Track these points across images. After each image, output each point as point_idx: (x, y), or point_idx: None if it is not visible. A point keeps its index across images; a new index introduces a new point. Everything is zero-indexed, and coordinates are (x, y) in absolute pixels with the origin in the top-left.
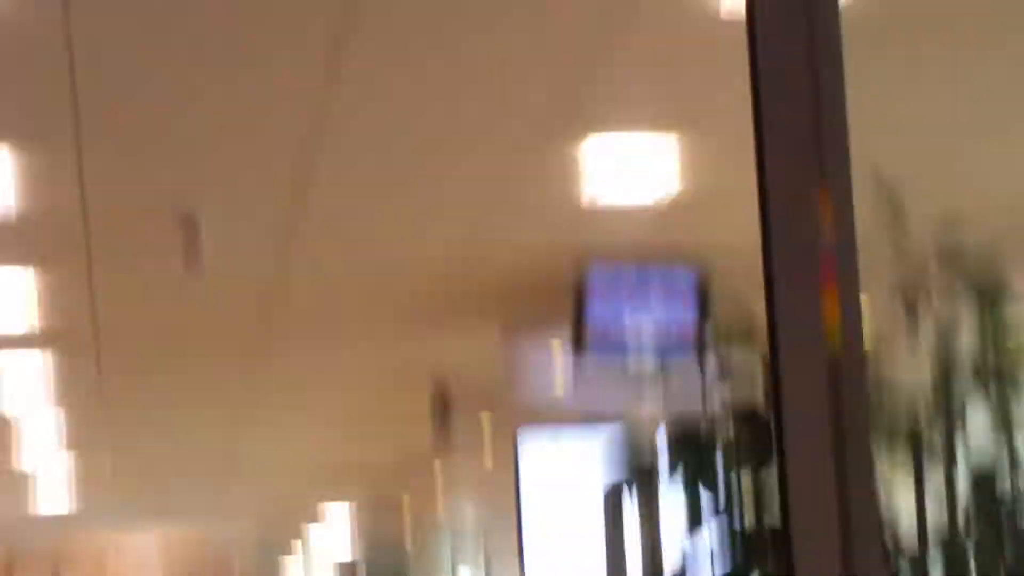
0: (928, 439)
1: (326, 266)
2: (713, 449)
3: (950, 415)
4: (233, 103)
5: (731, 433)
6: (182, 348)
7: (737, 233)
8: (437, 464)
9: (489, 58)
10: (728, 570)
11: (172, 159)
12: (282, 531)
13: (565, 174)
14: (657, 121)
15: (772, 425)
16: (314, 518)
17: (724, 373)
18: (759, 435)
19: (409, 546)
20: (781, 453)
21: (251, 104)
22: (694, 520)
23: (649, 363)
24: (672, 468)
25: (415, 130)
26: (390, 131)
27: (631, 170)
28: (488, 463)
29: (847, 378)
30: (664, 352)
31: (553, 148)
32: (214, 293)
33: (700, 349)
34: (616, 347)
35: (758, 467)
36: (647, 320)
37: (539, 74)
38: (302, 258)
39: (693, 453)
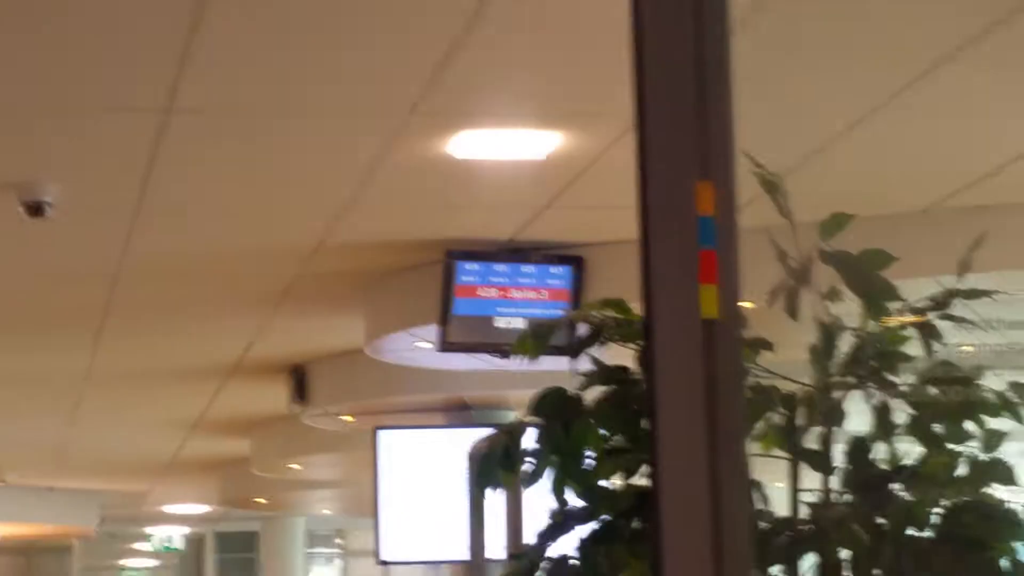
0: (805, 428)
1: (176, 249)
2: (581, 417)
3: (828, 413)
4: (82, 80)
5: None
6: (21, 329)
7: (615, 227)
8: (293, 461)
9: (357, 46)
10: (596, 528)
11: (17, 135)
12: (125, 528)
13: (436, 166)
14: (532, 117)
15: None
16: (159, 518)
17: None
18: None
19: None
20: (653, 420)
21: (100, 80)
22: (559, 488)
23: (517, 358)
24: (539, 440)
25: (277, 112)
26: (252, 112)
27: (503, 164)
28: (347, 461)
29: (722, 366)
30: (535, 347)
31: (423, 140)
32: (57, 274)
33: (573, 345)
34: (483, 342)
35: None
36: (517, 314)
37: (412, 66)
38: (152, 240)
39: (560, 428)
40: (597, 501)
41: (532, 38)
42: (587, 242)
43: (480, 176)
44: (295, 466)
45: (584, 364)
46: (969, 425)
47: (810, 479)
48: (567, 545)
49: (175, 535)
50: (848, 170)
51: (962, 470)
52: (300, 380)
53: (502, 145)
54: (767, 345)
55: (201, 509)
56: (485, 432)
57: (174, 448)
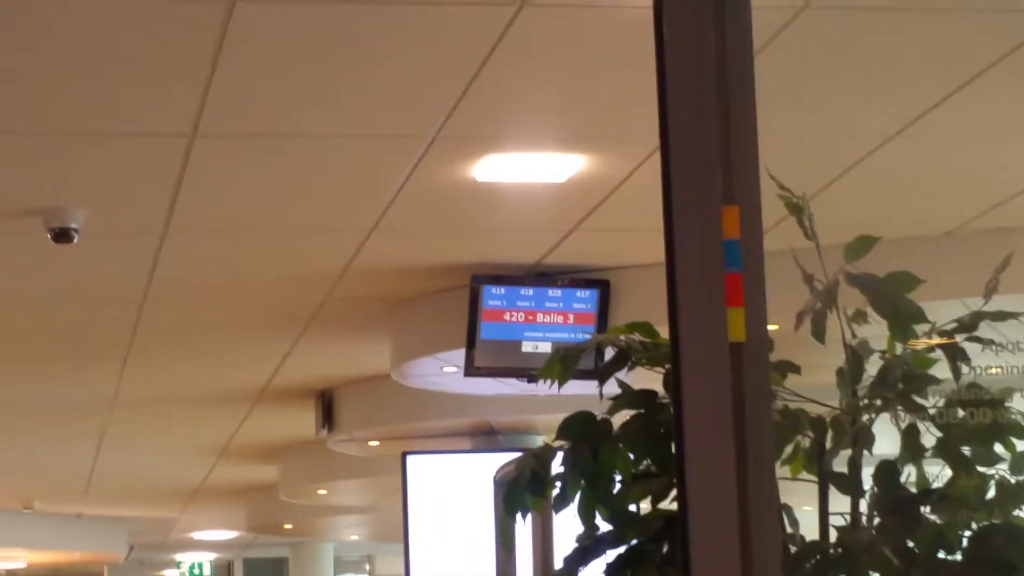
0: (834, 451)
1: (203, 274)
2: (608, 442)
3: (856, 436)
4: (107, 105)
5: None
6: (48, 356)
7: (641, 251)
8: (321, 486)
9: (381, 72)
10: (623, 552)
11: (43, 160)
12: (154, 555)
13: (461, 190)
14: (556, 140)
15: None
16: (187, 545)
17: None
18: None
19: (291, 570)
20: (680, 441)
21: (126, 106)
22: (588, 513)
23: (544, 383)
24: (567, 465)
25: (302, 137)
26: (278, 138)
27: (528, 188)
28: (374, 486)
29: (750, 389)
30: (562, 372)
31: (448, 164)
32: (83, 299)
33: (600, 369)
34: (510, 366)
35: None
36: (544, 338)
37: (436, 91)
38: (178, 265)
39: (588, 453)
40: (626, 525)
41: (556, 62)
42: (613, 266)
43: (505, 200)
44: (322, 492)
45: (611, 388)
46: (998, 448)
47: (839, 502)
48: (596, 570)
49: (204, 561)
50: (873, 193)
51: (992, 493)
52: (327, 406)
53: (527, 169)
54: (794, 368)
55: (229, 535)
56: (513, 457)
57: (202, 474)
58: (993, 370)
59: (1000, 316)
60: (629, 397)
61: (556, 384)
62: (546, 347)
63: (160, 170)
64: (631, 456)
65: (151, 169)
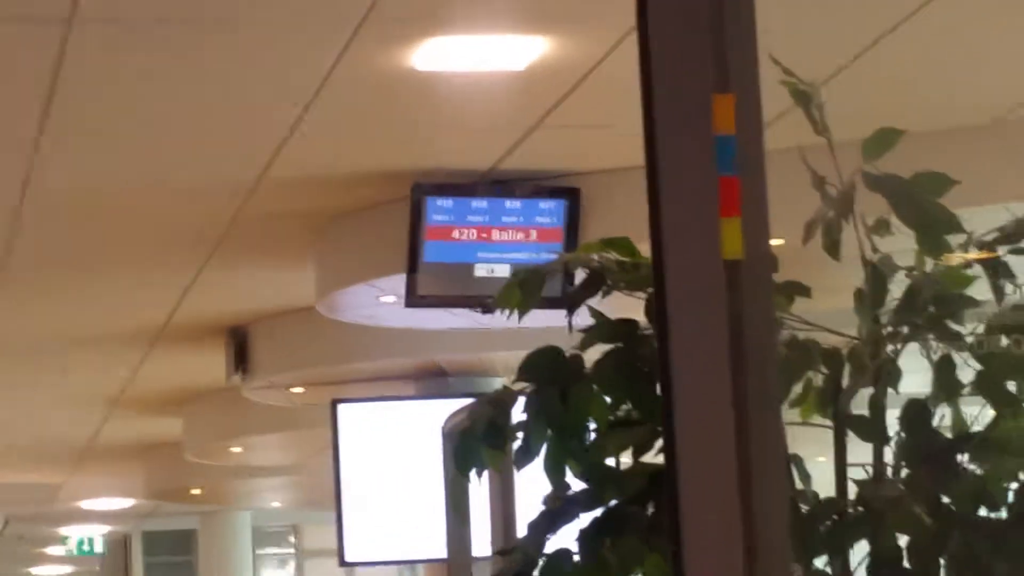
0: (853, 390)
1: (88, 186)
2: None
3: (879, 371)
4: None
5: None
6: None
7: (616, 152)
8: (234, 443)
9: None
10: (600, 515)
11: None
12: (35, 528)
13: (398, 81)
14: (512, 19)
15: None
16: (75, 517)
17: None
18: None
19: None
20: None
21: None
22: (556, 469)
23: (502, 314)
24: (531, 412)
25: (207, 18)
26: (178, 20)
27: (479, 78)
28: (299, 442)
29: (750, 316)
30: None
31: (382, 50)
32: None
33: (569, 295)
34: (460, 294)
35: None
36: (501, 260)
37: None
38: (58, 175)
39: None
40: (602, 483)
41: None
42: (583, 170)
43: (452, 92)
44: (236, 449)
45: (583, 318)
46: None
47: (859, 451)
48: (567, 537)
49: (95, 536)
50: (896, 79)
51: None
52: (240, 345)
53: (477, 54)
54: (803, 290)
55: (125, 504)
56: (465, 403)
57: (90, 431)
58: None
59: None
60: (604, 328)
61: (516, 315)
62: (503, 270)
63: (34, 58)
64: (607, 400)
65: (23, 58)
